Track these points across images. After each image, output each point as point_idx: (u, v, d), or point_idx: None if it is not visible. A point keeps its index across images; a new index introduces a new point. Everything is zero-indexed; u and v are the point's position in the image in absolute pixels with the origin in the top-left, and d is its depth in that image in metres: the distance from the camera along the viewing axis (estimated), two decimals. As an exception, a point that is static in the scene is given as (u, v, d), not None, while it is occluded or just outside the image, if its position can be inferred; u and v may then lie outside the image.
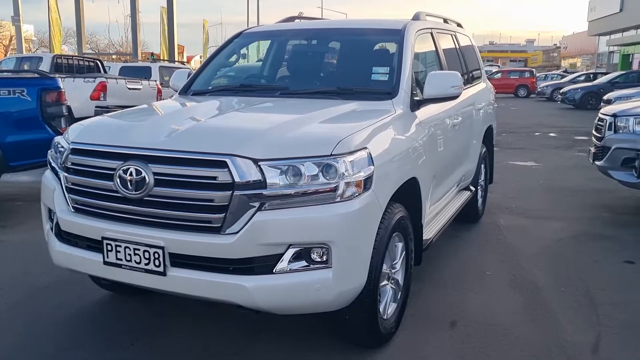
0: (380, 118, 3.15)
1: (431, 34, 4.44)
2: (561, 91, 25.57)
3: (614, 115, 6.15)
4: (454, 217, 4.45)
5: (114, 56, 44.89)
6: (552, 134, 14.26)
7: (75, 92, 10.96)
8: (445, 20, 5.32)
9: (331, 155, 2.59)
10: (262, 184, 2.51)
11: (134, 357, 3.08)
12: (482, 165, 5.75)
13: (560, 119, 18.96)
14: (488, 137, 5.81)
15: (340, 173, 2.57)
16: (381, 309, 3.08)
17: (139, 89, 12.15)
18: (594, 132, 6.61)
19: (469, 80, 5.29)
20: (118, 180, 2.67)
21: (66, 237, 3.00)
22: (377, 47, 4.15)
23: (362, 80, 3.79)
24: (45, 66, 12.24)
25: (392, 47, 3.87)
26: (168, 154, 2.62)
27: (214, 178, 2.52)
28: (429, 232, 3.85)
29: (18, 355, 3.10)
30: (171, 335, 3.31)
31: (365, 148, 2.75)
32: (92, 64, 13.39)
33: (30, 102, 5.55)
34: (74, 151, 2.92)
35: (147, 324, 3.45)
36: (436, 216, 4.21)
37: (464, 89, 4.99)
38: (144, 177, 2.61)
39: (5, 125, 5.45)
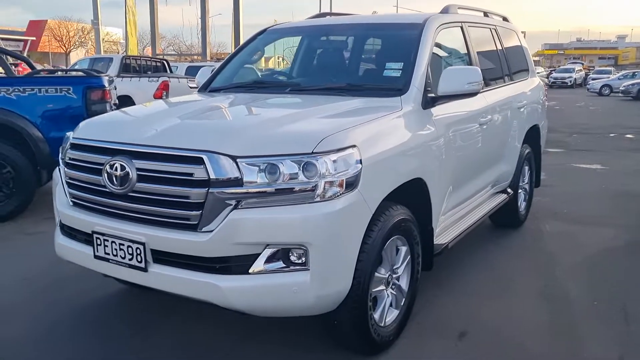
0: (381, 114, 3.01)
1: (461, 27, 4.22)
2: (648, 90, 23.88)
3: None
4: (479, 222, 4.20)
5: (195, 57, 46.46)
6: (628, 136, 13.31)
7: (140, 90, 11.48)
8: (486, 14, 5.05)
9: (312, 153, 2.49)
10: (238, 181, 2.45)
11: (130, 349, 3.12)
12: (527, 168, 5.42)
13: (643, 120, 17.70)
14: (533, 138, 5.46)
15: (320, 172, 2.47)
16: (377, 316, 2.94)
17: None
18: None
19: (510, 76, 5.00)
20: (105, 175, 2.70)
21: (68, 231, 3.08)
22: (394, 42, 3.98)
23: (374, 76, 3.66)
24: (115, 66, 12.79)
25: (409, 42, 3.69)
26: (150, 149, 2.62)
27: (191, 175, 2.49)
28: (445, 236, 3.65)
29: (24, 341, 3.21)
30: (172, 331, 3.32)
31: (354, 146, 2.63)
32: (158, 64, 13.89)
33: (76, 100, 5.77)
34: (72, 146, 2.99)
35: (154, 317, 3.48)
36: (459, 220, 3.99)
37: (501, 87, 4.74)
38: (128, 172, 2.62)
39: (52, 121, 5.71)
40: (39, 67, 11.18)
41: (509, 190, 4.94)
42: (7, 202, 5.59)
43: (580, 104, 24.90)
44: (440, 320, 3.44)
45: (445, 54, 4.04)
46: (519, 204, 5.29)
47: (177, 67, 16.11)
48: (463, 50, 4.20)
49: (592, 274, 4.27)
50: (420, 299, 3.55)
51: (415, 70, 3.44)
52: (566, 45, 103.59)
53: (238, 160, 2.47)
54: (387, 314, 3.04)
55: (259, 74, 4.44)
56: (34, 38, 52.76)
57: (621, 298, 3.81)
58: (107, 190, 2.72)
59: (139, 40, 48.47)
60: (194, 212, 2.50)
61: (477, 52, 4.32)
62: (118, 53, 50.96)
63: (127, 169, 2.62)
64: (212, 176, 2.45)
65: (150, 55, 23.20)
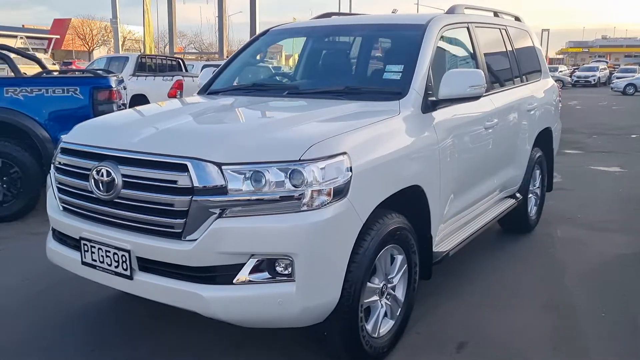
0: (377, 119, 2.92)
1: (467, 28, 4.10)
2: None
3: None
4: (485, 228, 4.08)
5: (215, 55, 46.61)
6: (651, 137, 12.98)
7: (155, 89, 11.55)
8: (496, 14, 4.92)
9: (299, 160, 2.41)
10: (223, 189, 2.39)
11: (125, 354, 3.08)
12: (537, 172, 5.27)
13: (668, 120, 17.24)
14: (545, 140, 5.30)
15: (307, 180, 2.39)
16: (369, 327, 2.86)
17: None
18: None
19: (520, 78, 4.86)
20: (92, 181, 2.66)
21: (59, 236, 3.05)
22: (396, 44, 3.88)
23: (374, 79, 3.57)
24: (130, 65, 12.86)
25: (411, 44, 3.58)
26: (135, 155, 2.57)
27: (174, 182, 2.43)
28: (446, 244, 3.54)
29: (17, 345, 3.18)
30: (167, 335, 3.28)
31: (344, 153, 2.54)
32: (174, 62, 13.94)
33: (82, 100, 5.77)
34: (62, 150, 2.95)
35: (150, 321, 3.44)
36: (463, 227, 3.87)
37: (510, 89, 4.61)
38: (114, 178, 2.58)
39: (59, 122, 5.70)
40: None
41: (517, 195, 4.81)
42: (14, 202, 5.62)
43: (603, 104, 24.42)
44: (439, 330, 3.34)
45: (450, 56, 3.93)
46: (529, 209, 5.15)
47: (193, 65, 16.16)
48: (469, 52, 4.08)
49: (602, 283, 4.12)
50: (421, 307, 3.47)
51: (416, 73, 3.34)
52: (591, 42, 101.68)
53: (223, 167, 2.40)
54: (381, 325, 2.95)
55: (262, 75, 4.38)
56: (58, 36, 53.63)
57: (632, 310, 3.67)
58: (94, 196, 2.68)
59: (161, 38, 48.85)
60: (178, 220, 2.44)
61: (485, 54, 4.20)
62: (140, 51, 51.57)
63: (113, 175, 2.58)
64: (196, 184, 2.39)
65: (167, 54, 23.39)
